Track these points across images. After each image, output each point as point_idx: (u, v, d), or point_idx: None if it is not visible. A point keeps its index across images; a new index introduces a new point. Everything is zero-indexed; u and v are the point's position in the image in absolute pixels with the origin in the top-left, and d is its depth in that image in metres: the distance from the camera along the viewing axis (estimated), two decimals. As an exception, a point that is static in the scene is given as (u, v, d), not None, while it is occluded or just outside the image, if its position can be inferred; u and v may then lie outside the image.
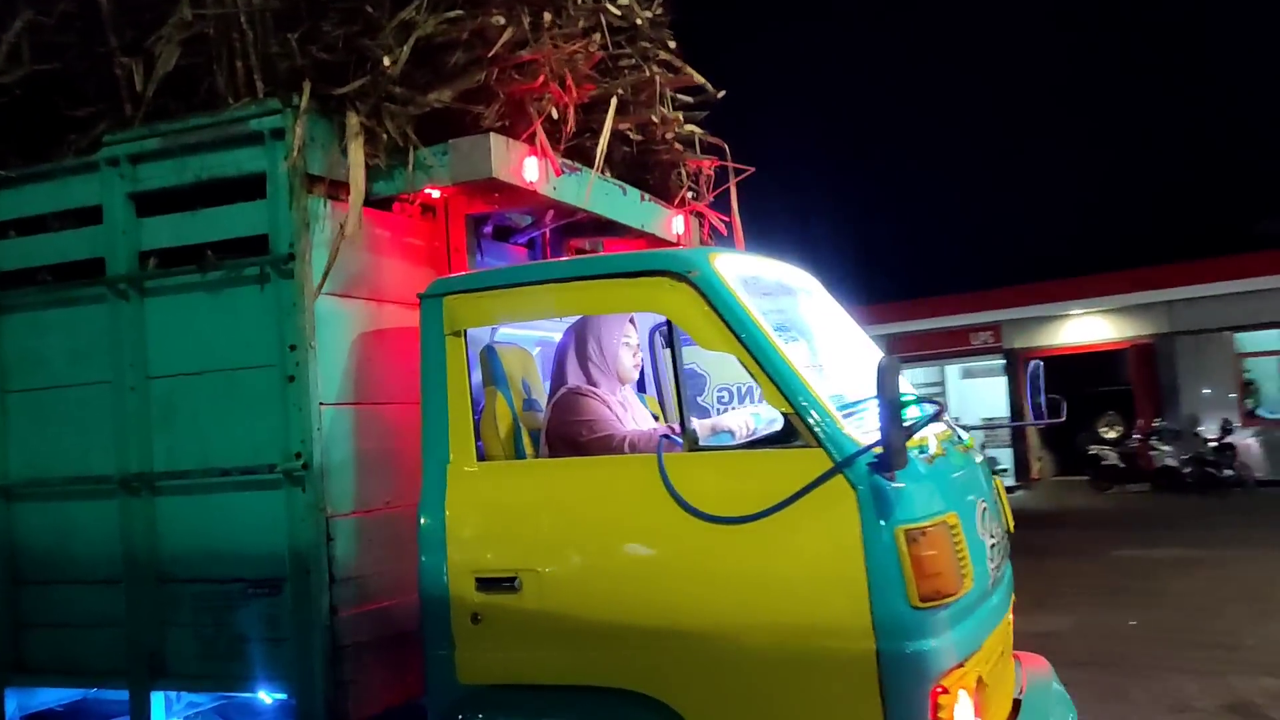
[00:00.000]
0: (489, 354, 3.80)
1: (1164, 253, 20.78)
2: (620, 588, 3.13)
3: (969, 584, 3.06)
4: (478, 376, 3.69)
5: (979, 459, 3.81)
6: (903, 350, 23.25)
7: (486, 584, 3.25)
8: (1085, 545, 13.03)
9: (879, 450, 2.91)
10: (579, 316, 3.81)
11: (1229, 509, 16.33)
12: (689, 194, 4.76)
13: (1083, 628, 8.43)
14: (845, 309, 4.08)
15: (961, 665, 3.00)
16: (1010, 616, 3.87)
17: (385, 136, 3.53)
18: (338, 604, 3.44)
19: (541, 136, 3.73)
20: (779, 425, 3.21)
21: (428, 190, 3.74)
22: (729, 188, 4.84)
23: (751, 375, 3.10)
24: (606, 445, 3.48)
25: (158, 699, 3.73)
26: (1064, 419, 4.38)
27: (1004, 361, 23.43)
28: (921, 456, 3.16)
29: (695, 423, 3.36)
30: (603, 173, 4.17)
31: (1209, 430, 19.35)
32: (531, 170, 3.68)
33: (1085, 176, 27.85)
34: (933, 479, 3.14)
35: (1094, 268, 21.19)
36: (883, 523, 2.88)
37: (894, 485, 2.92)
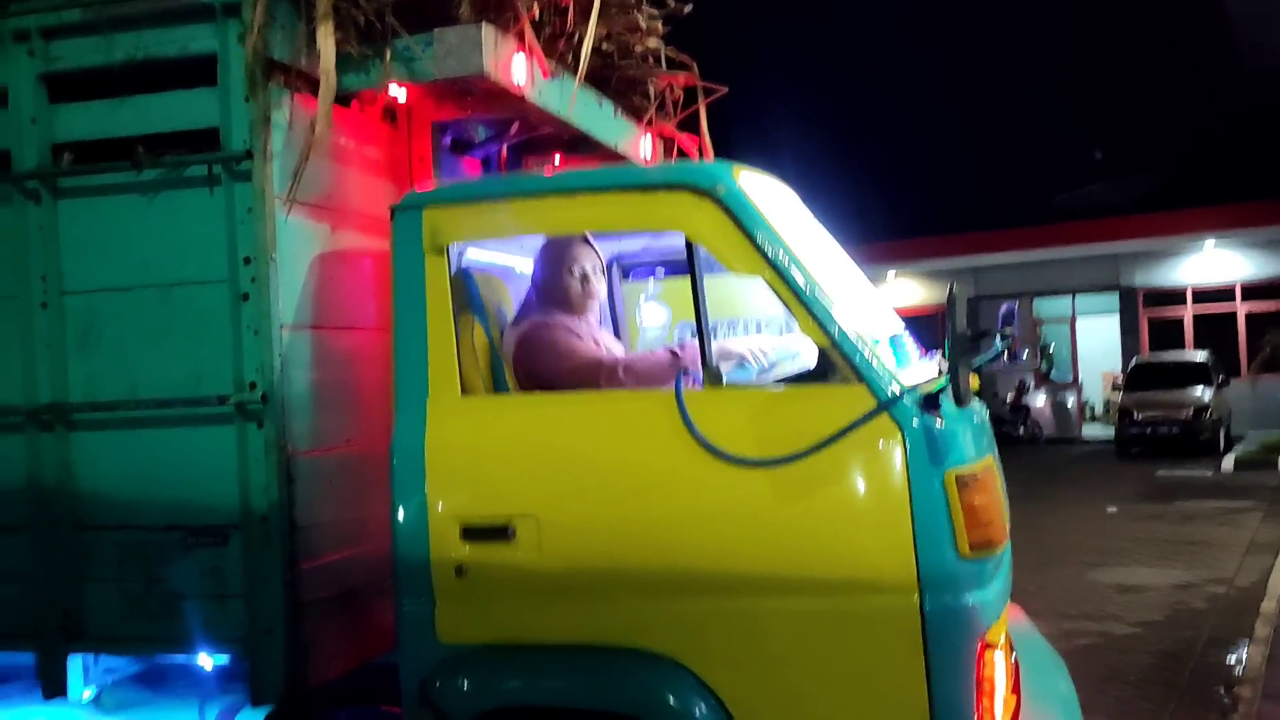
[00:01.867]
0: (464, 278, 3.39)
1: (973, 221, 21.61)
2: (632, 537, 2.80)
3: (1008, 533, 2.87)
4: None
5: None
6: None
7: (474, 533, 2.88)
8: None
9: (933, 387, 2.66)
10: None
11: (1020, 464, 17.09)
12: (656, 114, 4.40)
13: None
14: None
15: (999, 620, 2.81)
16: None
17: (360, 20, 3.06)
18: (298, 554, 3.01)
19: (530, 34, 3.32)
20: (801, 355, 2.94)
21: (394, 90, 3.29)
22: (699, 109, 4.48)
23: (784, 303, 2.80)
24: (593, 374, 3.15)
25: (74, 663, 3.23)
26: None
27: None
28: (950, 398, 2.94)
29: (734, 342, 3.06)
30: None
31: (1006, 392, 20.74)
32: (520, 70, 3.27)
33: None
34: (969, 421, 2.93)
35: (913, 231, 21.90)
36: (932, 466, 2.64)
37: (942, 426, 2.68)
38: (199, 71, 3.05)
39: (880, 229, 22.49)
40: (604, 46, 4.05)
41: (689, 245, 2.89)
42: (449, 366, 2.97)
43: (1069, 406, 21.22)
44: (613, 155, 4.15)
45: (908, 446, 2.65)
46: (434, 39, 3.11)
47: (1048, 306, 22.61)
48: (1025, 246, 21.45)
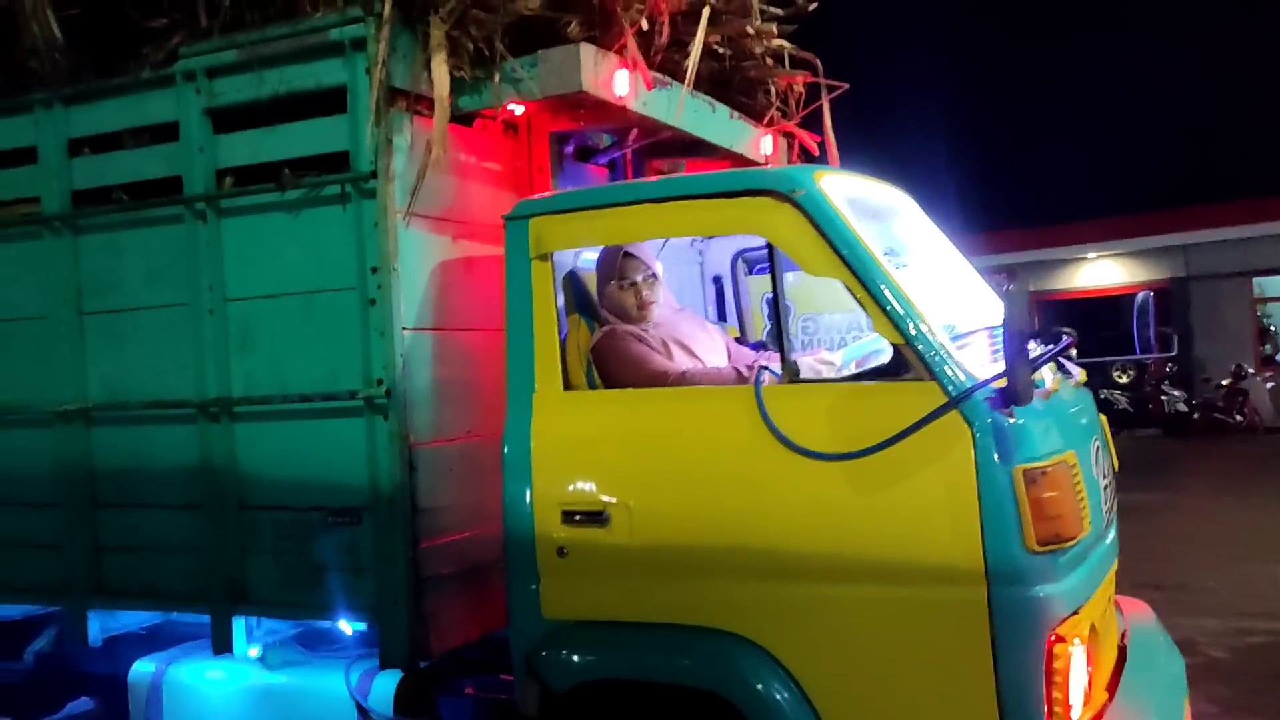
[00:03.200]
0: (572, 279, 3.64)
1: (1181, 196, 20.17)
2: (714, 525, 2.98)
3: (1086, 527, 2.88)
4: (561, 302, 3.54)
5: (1088, 395, 3.60)
6: None
7: (573, 517, 3.13)
8: None
9: (999, 384, 2.72)
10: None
11: (1231, 455, 16.34)
12: (778, 112, 4.52)
13: None
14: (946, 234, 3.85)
15: (1076, 613, 2.83)
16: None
17: (470, 47, 3.34)
18: (420, 534, 3.35)
19: (633, 48, 3.52)
20: (886, 357, 3.03)
21: (511, 106, 3.56)
22: (821, 105, 4.58)
23: (859, 302, 2.91)
24: (658, 382, 3.33)
25: (239, 624, 3.68)
26: (1174, 352, 4.14)
27: None
28: (1038, 392, 2.96)
29: (798, 356, 3.18)
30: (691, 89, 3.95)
31: (1220, 376, 19.20)
32: (622, 84, 3.48)
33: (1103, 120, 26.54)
34: (1050, 416, 2.94)
35: (1109, 211, 20.66)
36: (1000, 462, 2.70)
37: (1012, 422, 2.73)
38: (332, 101, 3.41)
39: (1075, 209, 21.47)
40: (719, 50, 4.22)
41: (770, 248, 3.03)
42: (553, 364, 3.22)
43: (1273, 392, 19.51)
44: (733, 156, 4.31)
45: (976, 442, 2.71)
46: (538, 59, 3.37)
47: (1270, 285, 21.09)
48: (1240, 222, 19.90)
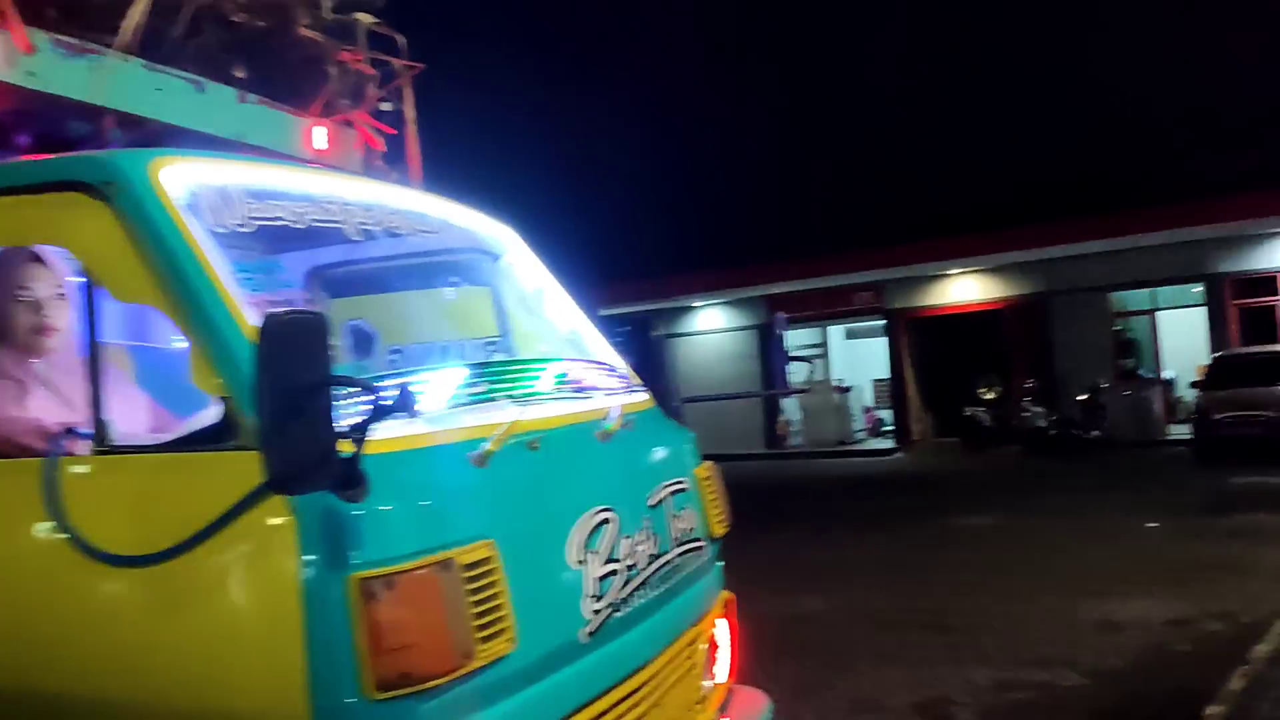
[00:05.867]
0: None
1: (1042, 212, 20.02)
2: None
3: (502, 647, 2.05)
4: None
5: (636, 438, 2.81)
6: (786, 310, 22.89)
7: None
8: (921, 513, 12.92)
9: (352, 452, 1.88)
10: None
11: (1084, 472, 16.20)
12: (347, 100, 3.68)
13: (843, 609, 8.03)
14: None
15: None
16: (701, 650, 2.91)
17: None
18: None
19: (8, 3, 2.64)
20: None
21: None
22: (397, 93, 3.75)
23: (185, 338, 2.07)
24: None
25: None
26: (807, 384, 3.41)
27: (884, 322, 23.47)
28: (471, 456, 2.16)
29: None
30: (188, 63, 3.09)
31: (1079, 391, 19.17)
32: (-22, 51, 2.60)
33: (964, 136, 26.19)
34: (459, 493, 2.12)
35: (973, 227, 20.44)
36: (330, 569, 1.87)
37: (357, 509, 1.90)
38: None
39: (939, 226, 21.15)
40: (241, 17, 3.37)
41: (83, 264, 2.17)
42: None
43: (1152, 406, 19.38)
44: (266, 151, 3.45)
45: (300, 538, 1.88)
46: None
47: (1128, 299, 21.06)
48: (1098, 236, 19.67)
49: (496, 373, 2.61)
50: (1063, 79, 25.69)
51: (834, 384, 23.80)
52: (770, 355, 23.98)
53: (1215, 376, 16.54)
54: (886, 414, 24.08)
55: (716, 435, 21.99)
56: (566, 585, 2.30)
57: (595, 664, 2.37)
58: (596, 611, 2.38)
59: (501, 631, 2.04)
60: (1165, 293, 20.73)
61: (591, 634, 2.36)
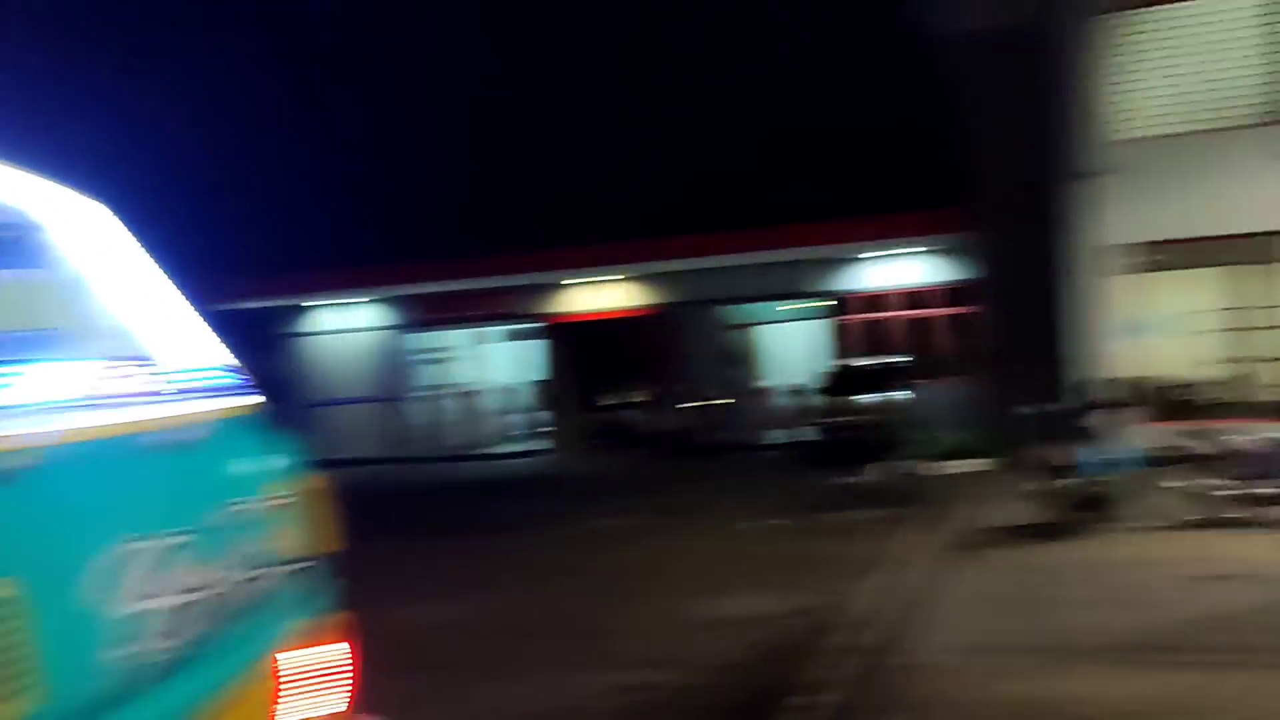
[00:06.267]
0: None
1: (675, 224, 21.22)
2: None
3: (22, 706, 1.68)
4: None
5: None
6: (427, 313, 23.09)
7: None
8: (554, 518, 13.55)
9: None
10: None
11: (696, 474, 17.61)
12: None
13: (485, 615, 8.18)
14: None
15: None
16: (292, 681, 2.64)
17: None
18: None
19: None
20: None
21: None
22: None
23: None
24: None
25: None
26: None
27: (542, 325, 24.08)
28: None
29: None
30: None
31: (693, 398, 20.87)
32: None
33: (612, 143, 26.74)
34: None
35: (612, 236, 21.36)
36: None
37: None
38: None
39: (575, 232, 21.59)
40: None
41: None
42: None
43: (762, 413, 21.07)
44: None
45: None
46: None
47: (748, 311, 22.63)
48: (712, 252, 20.89)
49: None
50: (710, 94, 26.13)
51: (462, 388, 23.81)
52: (395, 358, 23.41)
53: (824, 388, 18.43)
54: (545, 415, 24.21)
55: (347, 440, 21.37)
56: (104, 626, 1.97)
57: (148, 711, 2.05)
58: (141, 652, 2.06)
59: (26, 688, 1.68)
60: (775, 309, 22.44)
61: (140, 677, 2.04)
